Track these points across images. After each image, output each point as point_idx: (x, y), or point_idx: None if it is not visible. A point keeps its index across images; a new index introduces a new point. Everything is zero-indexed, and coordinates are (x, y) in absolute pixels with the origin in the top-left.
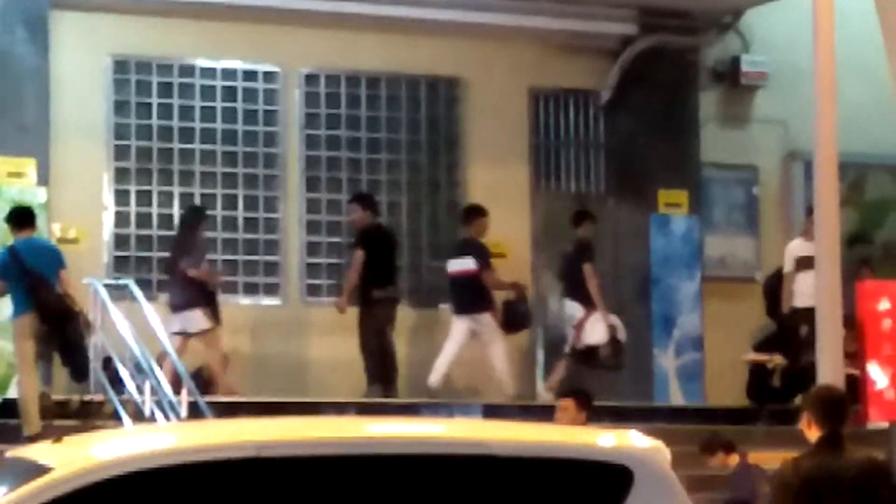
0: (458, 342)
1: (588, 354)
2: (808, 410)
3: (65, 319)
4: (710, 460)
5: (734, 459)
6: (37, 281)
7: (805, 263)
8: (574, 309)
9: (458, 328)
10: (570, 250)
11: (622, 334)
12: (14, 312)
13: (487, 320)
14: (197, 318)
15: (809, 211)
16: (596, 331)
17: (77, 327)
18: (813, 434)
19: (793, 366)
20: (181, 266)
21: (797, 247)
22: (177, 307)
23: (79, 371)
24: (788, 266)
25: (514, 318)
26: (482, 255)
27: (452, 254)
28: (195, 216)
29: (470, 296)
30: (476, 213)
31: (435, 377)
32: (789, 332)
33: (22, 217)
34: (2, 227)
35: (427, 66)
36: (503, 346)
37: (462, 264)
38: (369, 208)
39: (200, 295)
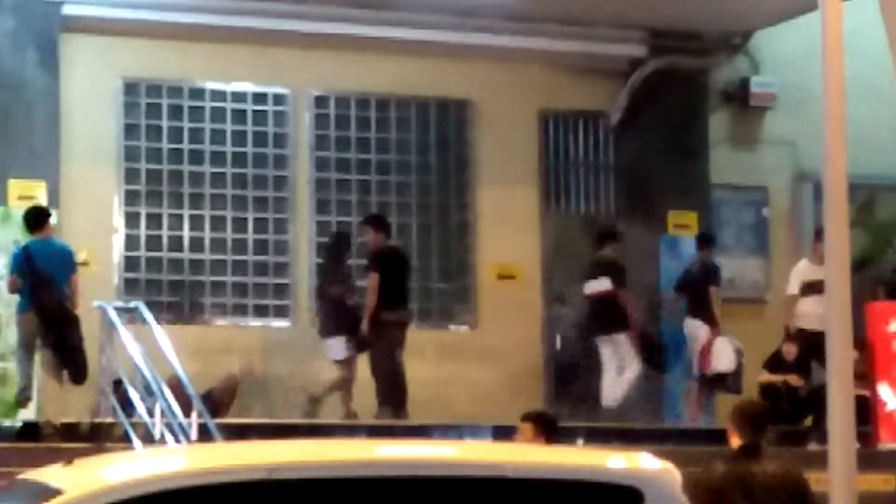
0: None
1: (715, 380)
2: (731, 422)
3: (62, 323)
4: None
5: None
6: (42, 282)
7: (813, 288)
8: (696, 328)
9: (605, 353)
10: (696, 271)
11: (743, 357)
12: (18, 309)
13: (623, 340)
14: (338, 347)
15: (818, 233)
16: (724, 357)
17: (76, 331)
18: (735, 443)
19: (801, 387)
20: (331, 293)
21: (804, 269)
22: (325, 334)
23: (78, 371)
24: (794, 287)
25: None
26: (617, 274)
27: (587, 275)
28: (341, 242)
29: (607, 316)
30: (611, 235)
31: (612, 400)
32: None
33: (37, 217)
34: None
35: (437, 88)
36: (638, 370)
37: (598, 285)
38: (382, 230)
39: (344, 323)
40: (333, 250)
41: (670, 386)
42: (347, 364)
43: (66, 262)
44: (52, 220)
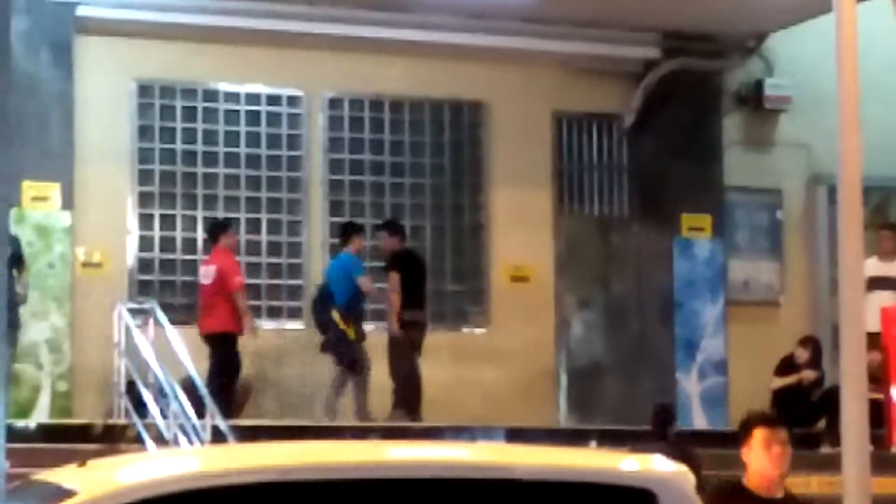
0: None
1: None
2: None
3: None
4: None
5: None
6: (322, 295)
7: (878, 283)
8: None
9: None
10: None
11: None
12: None
13: None
14: None
15: (884, 226)
16: None
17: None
18: None
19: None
20: None
21: (870, 266)
22: None
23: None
24: None
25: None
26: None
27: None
28: None
29: None
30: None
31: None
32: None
33: (342, 231)
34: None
35: (450, 90)
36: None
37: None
38: (397, 234)
39: None
40: None
41: (684, 388)
42: None
43: (341, 275)
44: (66, 222)
